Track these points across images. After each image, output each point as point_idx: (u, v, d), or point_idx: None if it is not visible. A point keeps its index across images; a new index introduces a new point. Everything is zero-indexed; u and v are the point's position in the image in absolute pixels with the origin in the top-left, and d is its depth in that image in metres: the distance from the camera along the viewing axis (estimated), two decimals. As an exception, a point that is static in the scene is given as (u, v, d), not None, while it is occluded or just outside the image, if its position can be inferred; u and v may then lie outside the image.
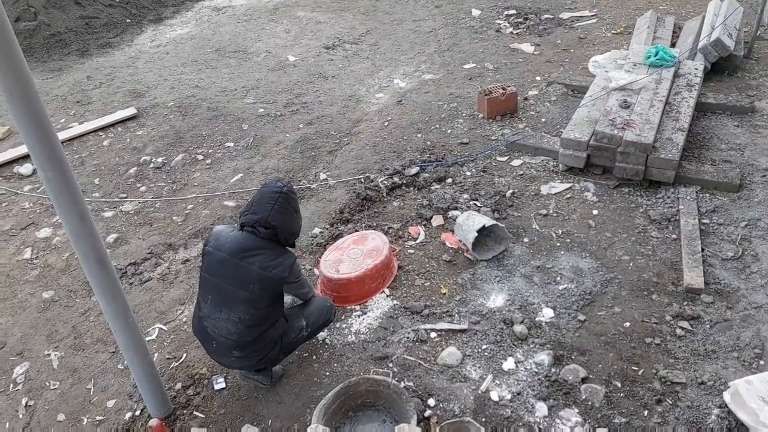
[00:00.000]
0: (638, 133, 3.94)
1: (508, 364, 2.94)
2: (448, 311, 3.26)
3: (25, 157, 4.91)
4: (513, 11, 6.62)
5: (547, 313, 3.19)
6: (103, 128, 5.16)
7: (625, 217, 3.75)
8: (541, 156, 4.32)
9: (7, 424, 2.96)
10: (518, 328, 3.09)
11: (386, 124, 4.93)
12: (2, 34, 1.84)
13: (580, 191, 4.00)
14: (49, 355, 3.28)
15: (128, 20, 7.06)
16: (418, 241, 3.75)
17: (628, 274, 3.34)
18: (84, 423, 2.91)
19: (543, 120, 4.71)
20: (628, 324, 3.05)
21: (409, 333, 3.15)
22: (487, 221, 3.51)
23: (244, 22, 7.04)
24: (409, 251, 3.68)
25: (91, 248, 2.26)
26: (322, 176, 4.41)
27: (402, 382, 2.84)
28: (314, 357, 3.10)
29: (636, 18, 5.99)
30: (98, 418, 2.93)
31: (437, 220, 3.84)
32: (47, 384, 3.12)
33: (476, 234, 3.44)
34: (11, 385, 3.15)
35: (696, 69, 4.80)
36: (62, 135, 5.10)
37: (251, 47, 6.45)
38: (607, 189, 3.98)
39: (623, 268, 3.39)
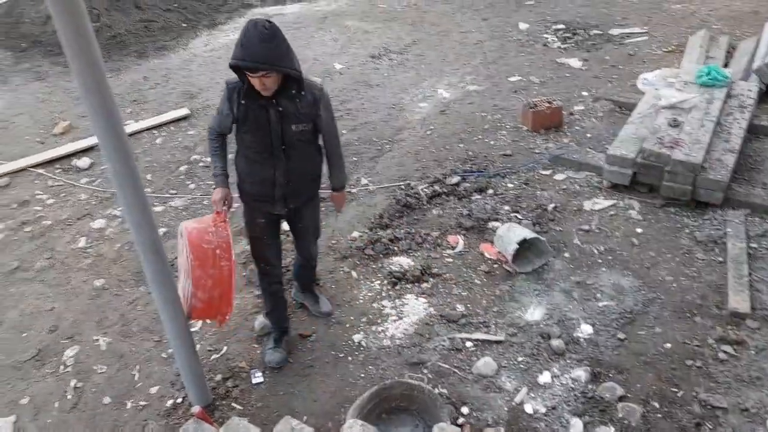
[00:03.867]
0: (687, 152, 3.88)
1: (544, 377, 2.93)
2: (485, 321, 3.27)
3: (83, 151, 5.14)
4: (561, 26, 6.60)
5: (585, 330, 3.16)
6: (156, 127, 5.36)
7: (670, 237, 3.69)
8: (585, 171, 4.29)
9: (57, 403, 3.10)
10: (555, 343, 3.07)
11: (429, 132, 4.98)
12: (82, 35, 1.97)
13: (624, 209, 3.95)
14: (98, 340, 3.42)
15: (184, 25, 7.33)
16: (456, 250, 3.77)
17: (670, 295, 3.29)
18: (128, 407, 3.03)
19: (588, 135, 4.68)
20: (669, 345, 3.00)
21: (444, 341, 3.18)
22: (529, 234, 3.52)
23: (294, 29, 7.21)
24: (447, 260, 3.70)
25: (148, 238, 2.37)
26: (364, 181, 4.48)
27: (436, 389, 2.87)
28: (350, 358, 3.16)
29: (688, 36, 5.90)
30: (142, 403, 3.04)
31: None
32: (95, 368, 3.25)
33: (517, 246, 3.45)
34: (61, 367, 3.29)
35: (749, 90, 4.70)
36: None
37: (300, 54, 6.56)
38: (652, 208, 3.92)
39: (666, 288, 3.34)
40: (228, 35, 7.24)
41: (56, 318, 3.60)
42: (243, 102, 2.56)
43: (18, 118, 5.82)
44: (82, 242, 4.18)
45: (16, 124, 5.71)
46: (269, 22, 2.45)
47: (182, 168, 4.86)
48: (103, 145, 2.17)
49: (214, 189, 2.73)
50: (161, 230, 4.20)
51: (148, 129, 5.34)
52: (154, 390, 3.11)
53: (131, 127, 5.43)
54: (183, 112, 5.52)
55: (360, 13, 7.49)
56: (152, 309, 3.59)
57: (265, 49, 2.38)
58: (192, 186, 4.65)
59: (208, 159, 4.96)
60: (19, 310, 3.69)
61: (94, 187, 4.73)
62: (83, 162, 5.03)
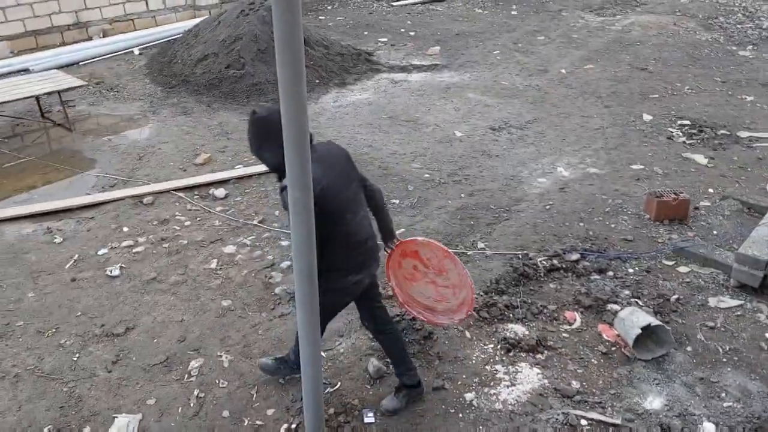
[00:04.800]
0: (827, 262, 3.73)
1: (662, 471, 2.83)
2: (600, 402, 3.21)
3: (220, 182, 5.60)
4: (687, 122, 6.58)
5: (708, 428, 3.04)
6: (287, 168, 5.77)
7: (804, 347, 3.51)
8: (710, 267, 4.19)
9: (180, 408, 3.31)
10: (676, 436, 2.97)
11: (548, 207, 5.05)
12: (298, 75, 2.25)
13: (753, 311, 3.81)
14: (221, 356, 3.65)
15: (317, 81, 7.92)
16: (573, 326, 3.76)
17: (805, 408, 3.11)
18: (245, 424, 3.19)
19: (714, 232, 4.58)
20: (803, 461, 2.83)
21: (558, 414, 3.14)
22: (653, 320, 3.47)
23: (418, 96, 7.61)
24: (563, 335, 3.69)
25: (307, 264, 2.57)
26: (480, 245, 4.59)
27: (549, 461, 2.83)
28: (460, 415, 3.18)
29: (823, 146, 5.72)
30: (258, 422, 3.19)
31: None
32: (217, 381, 3.46)
33: (639, 331, 3.40)
34: (186, 376, 3.52)
35: None
36: (253, 169, 5.77)
37: (422, 119, 6.94)
38: (784, 314, 3.76)
39: (799, 400, 3.17)
40: (355, 95, 7.74)
41: (185, 330, 3.88)
42: None
43: (164, 146, 6.44)
44: (213, 264, 4.51)
45: (163, 151, 6.32)
46: (254, 111, 2.71)
47: (308, 209, 5.17)
48: (290, 171, 2.42)
49: None
50: (285, 263, 4.47)
51: (280, 170, 5.75)
52: (270, 412, 3.26)
53: (263, 167, 5.86)
54: (312, 158, 5.90)
55: (482, 87, 7.81)
56: (273, 335, 3.80)
57: (248, 133, 2.76)
58: (315, 227, 4.94)
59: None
60: (152, 317, 4.01)
61: (227, 215, 5.12)
62: (220, 192, 5.47)
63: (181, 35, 9.19)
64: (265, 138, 2.68)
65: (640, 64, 8.57)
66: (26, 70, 8.37)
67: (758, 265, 3.90)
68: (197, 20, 9.61)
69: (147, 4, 10.47)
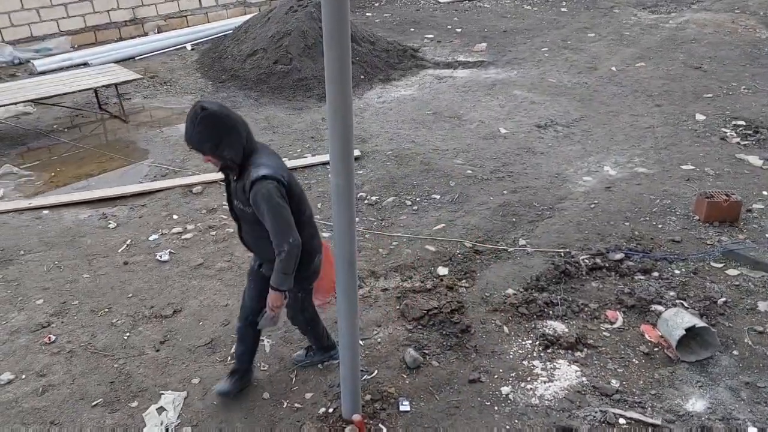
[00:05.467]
0: None
1: (702, 474, 2.77)
2: (640, 402, 3.16)
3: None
4: (742, 122, 6.35)
5: (754, 434, 2.96)
6: (328, 163, 5.87)
7: None
8: (761, 271, 4.05)
9: (222, 388, 3.43)
10: (719, 440, 2.90)
11: (592, 206, 4.97)
12: (344, 71, 2.31)
13: (806, 317, 3.68)
14: (263, 340, 3.74)
15: (362, 77, 8.00)
16: (615, 326, 3.70)
17: None
18: (284, 406, 3.27)
19: (767, 235, 4.43)
20: None
21: (596, 412, 3.11)
22: (698, 322, 3.39)
23: (462, 92, 7.60)
24: (603, 333, 3.64)
25: (348, 250, 2.64)
26: (522, 242, 4.56)
27: (585, 457, 2.81)
28: (496, 408, 3.19)
29: None
30: (296, 405, 3.28)
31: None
32: (259, 364, 3.56)
33: (683, 332, 3.33)
34: (229, 358, 3.64)
35: None
36: (298, 162, 5.89)
37: (466, 115, 6.93)
38: (839, 322, 3.61)
39: None
40: (399, 91, 7.78)
41: (229, 314, 4.00)
42: None
43: (214, 138, 6.63)
44: (257, 252, 4.63)
45: (212, 143, 6.50)
46: (203, 107, 2.62)
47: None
48: (334, 162, 2.48)
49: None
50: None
51: (323, 164, 5.84)
52: (308, 395, 3.34)
53: (308, 159, 5.98)
54: (355, 153, 5.98)
55: (528, 84, 7.73)
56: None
57: (191, 131, 2.63)
58: (356, 220, 5.01)
59: (373, 198, 5.34)
60: (198, 301, 4.15)
61: (272, 205, 5.24)
62: (265, 183, 5.61)
63: (231, 31, 9.42)
64: (226, 133, 2.64)
65: (695, 63, 8.31)
66: (85, 64, 8.74)
67: (813, 270, 3.76)
68: (247, 16, 9.83)
69: (200, 1, 10.77)
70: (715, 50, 8.80)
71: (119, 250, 4.75)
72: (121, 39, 9.92)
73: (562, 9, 11.45)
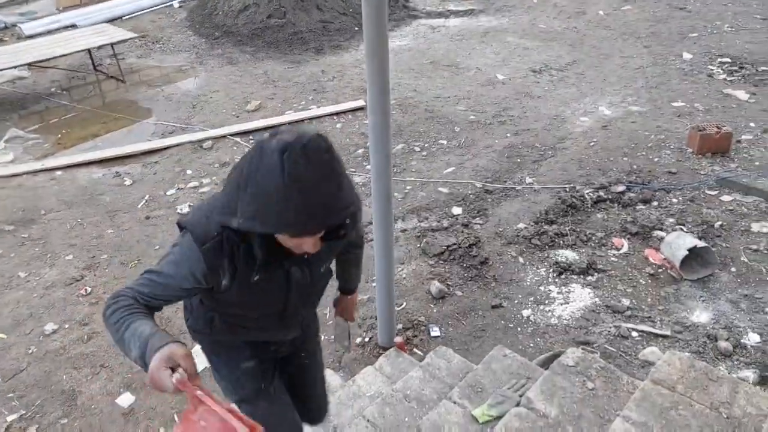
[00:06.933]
0: None
1: (710, 373, 3.10)
2: (650, 317, 3.46)
3: (272, 127, 5.85)
4: (727, 59, 6.59)
5: (753, 338, 3.27)
6: (337, 114, 6.00)
7: None
8: (753, 196, 4.35)
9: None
10: (723, 344, 3.22)
11: (591, 144, 5.21)
12: (381, 16, 2.46)
13: (796, 235, 3.99)
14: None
15: (356, 28, 8.04)
16: (621, 251, 3.99)
17: None
18: (322, 339, 3.52)
19: (756, 163, 4.72)
20: (842, 363, 3.06)
21: (610, 327, 3.41)
22: (699, 243, 3.68)
23: (457, 41, 7.70)
24: (611, 259, 3.93)
25: (384, 185, 2.84)
26: (528, 180, 4.80)
27: (605, 364, 3.11)
28: (519, 329, 3.47)
29: None
30: (331, 337, 3.53)
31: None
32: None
33: (686, 252, 3.62)
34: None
35: None
36: (304, 114, 6.01)
37: (463, 63, 7.06)
38: (825, 237, 3.93)
39: (839, 313, 3.38)
40: (395, 41, 7.86)
41: (257, 259, 4.20)
42: (244, 268, 1.57)
43: (215, 95, 6.70)
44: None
45: (215, 99, 6.58)
46: (321, 137, 1.36)
47: (359, 151, 5.42)
48: (372, 101, 2.66)
49: (156, 355, 1.32)
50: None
51: (330, 115, 5.98)
52: (344, 327, 3.58)
53: (314, 111, 6.10)
54: (360, 103, 6.12)
55: (520, 31, 7.85)
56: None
57: (342, 188, 1.38)
58: (368, 167, 5.19)
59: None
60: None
61: (284, 157, 5.39)
62: (273, 136, 5.73)
63: (218, -13, 9.30)
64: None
65: (679, 4, 8.48)
66: (73, 26, 8.62)
67: (801, 193, 4.06)
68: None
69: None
70: (699, -10, 8.96)
71: (139, 206, 4.89)
72: (105, -1, 9.76)
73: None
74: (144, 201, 4.95)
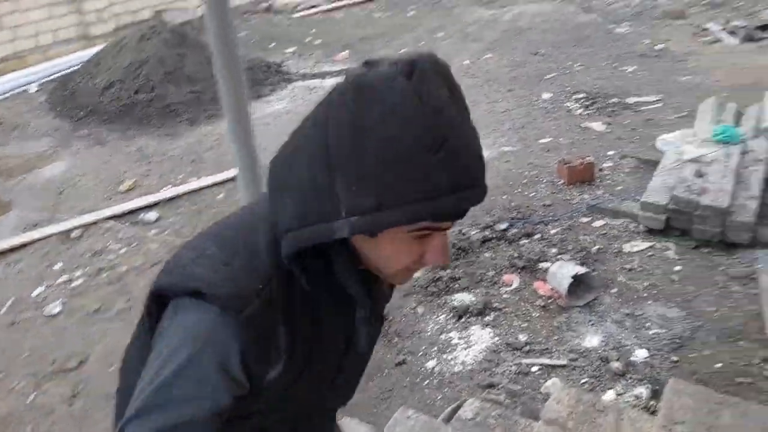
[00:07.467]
0: (713, 198, 4.29)
1: (608, 396, 3.19)
2: (547, 349, 3.55)
3: (150, 206, 5.56)
4: (582, 95, 7.20)
5: (641, 354, 3.45)
6: (218, 184, 5.82)
7: (707, 273, 4.03)
8: (621, 218, 4.68)
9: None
10: (615, 365, 3.35)
11: (472, 187, 5.41)
12: (236, 78, 2.42)
13: (662, 250, 4.31)
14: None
15: (230, 96, 7.98)
16: (512, 287, 4.10)
17: (714, 323, 3.59)
18: None
19: (619, 188, 5.11)
20: (719, 365, 3.28)
21: (511, 366, 3.46)
22: (580, 269, 3.87)
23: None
24: (504, 296, 4.03)
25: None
26: (417, 230, 4.86)
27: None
28: (426, 382, 3.43)
29: (698, 104, 6.46)
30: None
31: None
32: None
33: (571, 280, 3.79)
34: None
35: (762, 146, 5.17)
36: (183, 188, 5.76)
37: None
38: (687, 249, 4.28)
39: (709, 317, 3.65)
40: (273, 105, 7.86)
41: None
42: (308, 328, 1.01)
43: (83, 178, 6.29)
44: (159, 285, 4.50)
45: (83, 183, 6.17)
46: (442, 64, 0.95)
47: (245, 220, 5.25)
48: (243, 177, 2.58)
49: None
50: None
51: (209, 186, 5.78)
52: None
53: (193, 184, 5.87)
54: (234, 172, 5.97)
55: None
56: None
57: (479, 149, 0.99)
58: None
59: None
60: (103, 346, 3.97)
61: (165, 236, 5.11)
62: (150, 216, 5.44)
63: (80, 66, 8.91)
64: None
65: (533, 50, 9.22)
66: None
67: (659, 210, 4.42)
68: (94, 49, 9.34)
69: (36, 39, 10.05)
70: (548, 36, 9.82)
71: (2, 311, 4.38)
72: (-51, 88, 8.99)
73: (410, 14, 12.12)
74: (8, 305, 4.45)
